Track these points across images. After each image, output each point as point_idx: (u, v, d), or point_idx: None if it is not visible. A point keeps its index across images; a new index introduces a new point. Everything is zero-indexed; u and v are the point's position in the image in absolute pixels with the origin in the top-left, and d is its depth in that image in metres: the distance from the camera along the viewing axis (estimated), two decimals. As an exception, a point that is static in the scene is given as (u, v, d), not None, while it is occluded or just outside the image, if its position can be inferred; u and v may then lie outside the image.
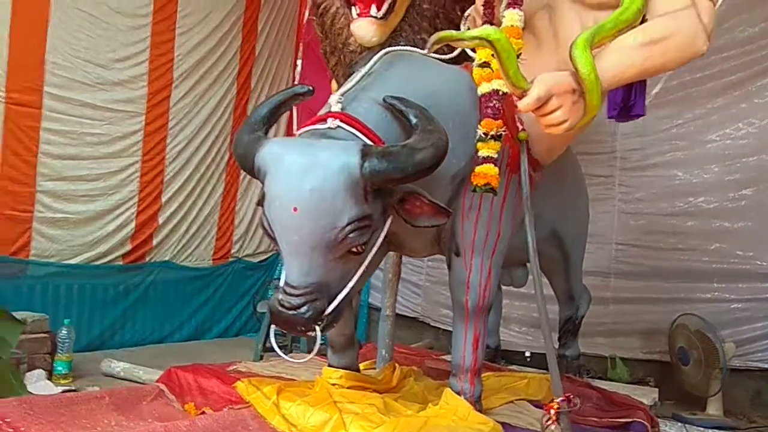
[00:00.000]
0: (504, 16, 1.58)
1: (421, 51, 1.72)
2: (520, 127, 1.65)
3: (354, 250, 1.36)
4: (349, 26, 1.87)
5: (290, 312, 1.31)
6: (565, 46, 1.42)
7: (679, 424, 3.07)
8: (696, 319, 3.24)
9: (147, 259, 4.35)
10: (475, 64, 1.63)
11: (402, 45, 1.81)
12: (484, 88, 1.57)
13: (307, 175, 1.28)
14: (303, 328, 1.34)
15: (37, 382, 3.02)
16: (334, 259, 1.33)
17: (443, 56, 1.78)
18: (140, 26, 4.10)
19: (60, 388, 3.02)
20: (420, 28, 1.87)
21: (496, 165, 1.53)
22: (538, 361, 3.33)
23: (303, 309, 1.31)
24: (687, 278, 3.65)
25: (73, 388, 3.09)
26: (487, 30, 1.34)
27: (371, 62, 1.64)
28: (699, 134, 3.70)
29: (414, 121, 1.42)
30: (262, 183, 1.36)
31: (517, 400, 1.98)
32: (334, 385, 1.77)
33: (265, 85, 4.98)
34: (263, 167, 1.35)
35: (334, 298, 1.35)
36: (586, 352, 3.06)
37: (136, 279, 4.27)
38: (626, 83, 1.64)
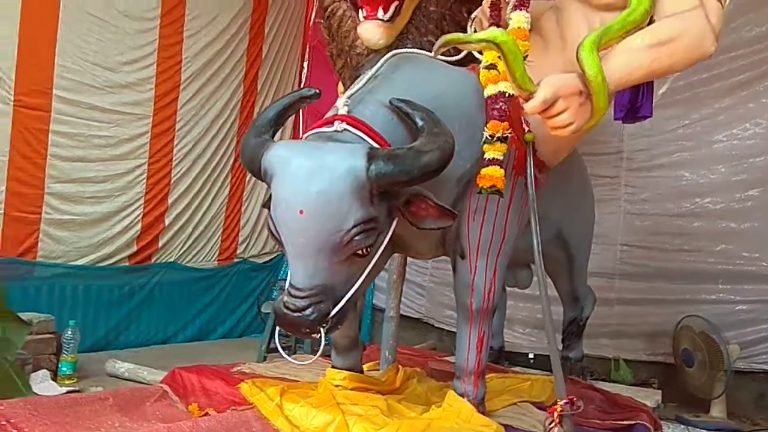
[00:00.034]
0: (511, 18, 1.58)
1: (428, 53, 1.72)
2: (526, 129, 1.65)
3: (359, 252, 1.36)
4: (355, 29, 1.86)
5: (295, 314, 1.32)
6: (572, 48, 1.41)
7: (683, 426, 3.05)
8: (700, 320, 3.23)
9: (153, 260, 4.36)
10: (481, 66, 1.63)
11: (409, 47, 1.80)
12: (490, 90, 1.57)
13: (313, 178, 1.29)
14: (308, 330, 1.34)
15: (42, 383, 3.03)
16: (340, 261, 1.33)
17: (450, 58, 1.78)
18: (148, 29, 4.13)
19: (64, 389, 3.03)
20: (426, 31, 1.86)
21: (502, 167, 1.53)
22: (541, 363, 3.31)
23: (308, 311, 1.31)
24: (692, 279, 3.62)
25: (77, 388, 3.10)
26: (494, 32, 1.33)
27: (378, 65, 1.64)
28: (706, 134, 3.68)
29: (420, 123, 1.42)
30: (269, 186, 1.37)
31: (520, 402, 1.97)
32: (337, 386, 1.77)
33: (272, 87, 4.99)
34: (270, 170, 1.36)
35: (339, 300, 1.35)
36: (590, 353, 3.04)
37: (141, 280, 4.29)
38: (633, 85, 1.64)
